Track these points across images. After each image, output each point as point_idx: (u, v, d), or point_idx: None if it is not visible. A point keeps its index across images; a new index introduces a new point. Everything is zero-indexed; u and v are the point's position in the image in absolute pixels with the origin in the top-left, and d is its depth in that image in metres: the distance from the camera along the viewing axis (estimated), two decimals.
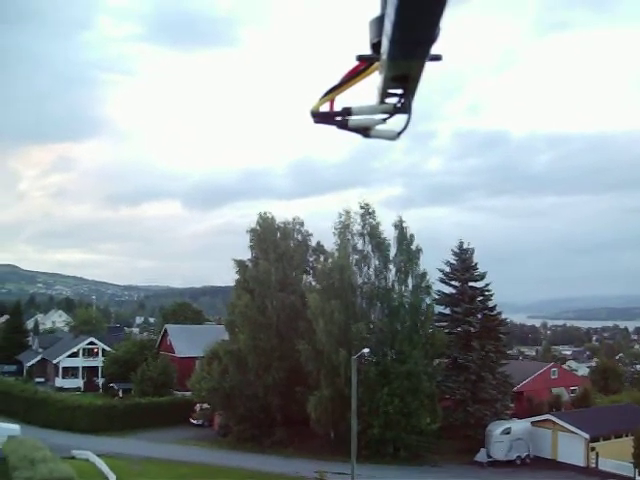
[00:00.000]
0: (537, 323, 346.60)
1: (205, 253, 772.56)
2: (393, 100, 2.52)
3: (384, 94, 2.51)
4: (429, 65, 2.33)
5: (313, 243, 73.03)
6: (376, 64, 2.47)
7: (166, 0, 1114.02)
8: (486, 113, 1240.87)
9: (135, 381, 79.67)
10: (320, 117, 2.63)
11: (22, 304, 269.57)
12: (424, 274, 61.38)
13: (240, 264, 66.85)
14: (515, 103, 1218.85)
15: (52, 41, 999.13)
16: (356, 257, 61.08)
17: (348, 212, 61.31)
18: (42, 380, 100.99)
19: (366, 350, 49.48)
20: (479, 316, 64.58)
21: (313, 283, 65.76)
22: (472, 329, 63.52)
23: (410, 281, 60.74)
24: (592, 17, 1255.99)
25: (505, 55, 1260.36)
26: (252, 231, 66.23)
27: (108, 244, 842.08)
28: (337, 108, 2.62)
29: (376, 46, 2.35)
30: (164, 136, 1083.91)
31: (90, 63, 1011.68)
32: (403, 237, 61.04)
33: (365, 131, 2.62)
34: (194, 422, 71.32)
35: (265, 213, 67.32)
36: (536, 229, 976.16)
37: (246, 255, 68.32)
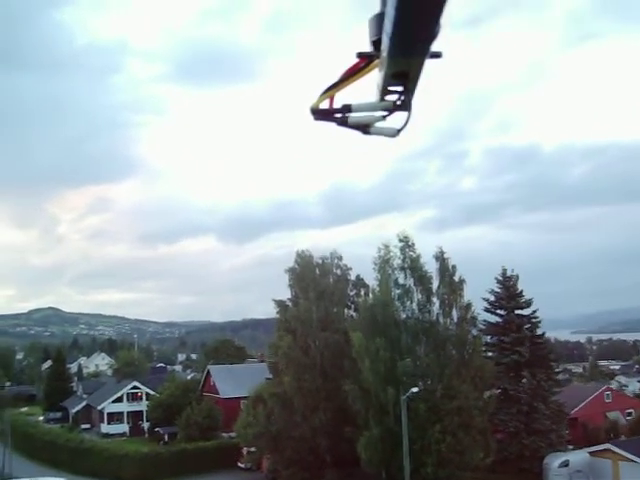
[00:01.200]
0: (582, 338, 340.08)
1: (243, 286, 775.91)
2: (393, 97, 2.58)
3: (384, 91, 2.57)
4: (432, 63, 2.39)
5: (352, 277, 72.10)
6: (376, 61, 2.52)
7: (190, 40, 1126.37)
8: (516, 128, 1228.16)
9: (180, 425, 79.07)
10: (320, 114, 2.68)
11: (65, 347, 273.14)
12: (469, 305, 59.86)
13: (280, 304, 65.97)
14: (545, 116, 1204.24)
15: (85, 86, 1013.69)
16: (398, 292, 59.70)
17: (387, 246, 60.07)
18: (88, 427, 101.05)
19: (415, 389, 48.20)
20: (527, 344, 62.80)
21: (355, 317, 64.65)
22: (522, 358, 61.87)
23: (455, 313, 59.27)
24: (621, 25, 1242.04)
25: (533, 69, 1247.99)
26: (291, 270, 65.34)
27: (147, 282, 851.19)
28: (337, 105, 2.68)
29: (376, 43, 2.38)
30: (196, 172, 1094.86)
31: (122, 105, 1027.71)
32: (445, 269, 59.58)
33: (365, 128, 2.69)
34: (242, 466, 70.30)
35: (303, 251, 66.54)
36: (576, 242, 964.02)
37: (285, 291, 67.42)
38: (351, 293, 70.95)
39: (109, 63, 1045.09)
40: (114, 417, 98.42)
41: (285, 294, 67.50)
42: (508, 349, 62.12)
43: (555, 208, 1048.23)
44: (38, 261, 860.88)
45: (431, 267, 60.35)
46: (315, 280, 64.36)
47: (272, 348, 66.60)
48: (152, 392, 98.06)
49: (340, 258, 70.78)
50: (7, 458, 64.38)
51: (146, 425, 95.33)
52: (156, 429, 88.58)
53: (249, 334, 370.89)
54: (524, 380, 60.38)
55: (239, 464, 70.59)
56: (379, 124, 2.68)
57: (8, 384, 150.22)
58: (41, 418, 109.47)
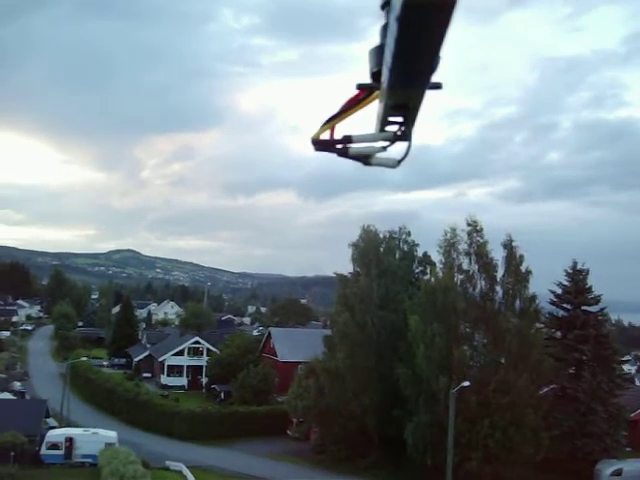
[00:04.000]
0: None
1: (318, 243, 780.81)
2: (393, 128, 2.61)
3: (384, 122, 2.59)
4: (434, 94, 2.43)
5: (419, 254, 70.97)
6: (376, 93, 2.56)
7: None
8: (611, 104, 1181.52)
9: (235, 387, 79.59)
10: (321, 145, 2.72)
11: (140, 290, 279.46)
12: (533, 297, 58.01)
13: (341, 278, 65.32)
14: None
15: (177, 34, 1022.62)
16: (461, 277, 58.29)
17: (454, 229, 58.51)
18: (149, 376, 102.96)
19: (466, 383, 47.04)
20: (591, 343, 60.59)
21: (415, 297, 63.53)
22: (583, 357, 59.92)
23: (518, 304, 57.55)
24: None
25: (631, 41, 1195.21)
26: (354, 245, 64.50)
27: (224, 232, 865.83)
28: (338, 136, 2.72)
29: (376, 75, 2.40)
30: (284, 126, 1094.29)
31: (213, 55, 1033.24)
32: (512, 257, 57.82)
33: (366, 159, 2.71)
34: (291, 434, 70.47)
35: (368, 226, 65.63)
36: None
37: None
38: (416, 270, 69.94)
39: (202, 11, 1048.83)
40: (174, 369, 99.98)
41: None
42: (570, 346, 60.03)
43: None
44: (120, 204, 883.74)
45: (497, 254, 58.76)
46: (378, 257, 63.45)
47: (330, 321, 66.25)
48: (213, 348, 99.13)
49: (408, 234, 69.98)
50: (66, 403, 65.84)
51: (204, 380, 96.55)
52: (213, 386, 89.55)
53: (320, 291, 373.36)
54: (584, 379, 58.34)
55: (288, 432, 70.77)
56: (380, 155, 2.70)
57: (80, 324, 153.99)
58: (105, 363, 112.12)
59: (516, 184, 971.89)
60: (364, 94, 2.65)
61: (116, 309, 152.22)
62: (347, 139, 2.69)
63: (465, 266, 58.24)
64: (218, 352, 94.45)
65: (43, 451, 54.71)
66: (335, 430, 60.21)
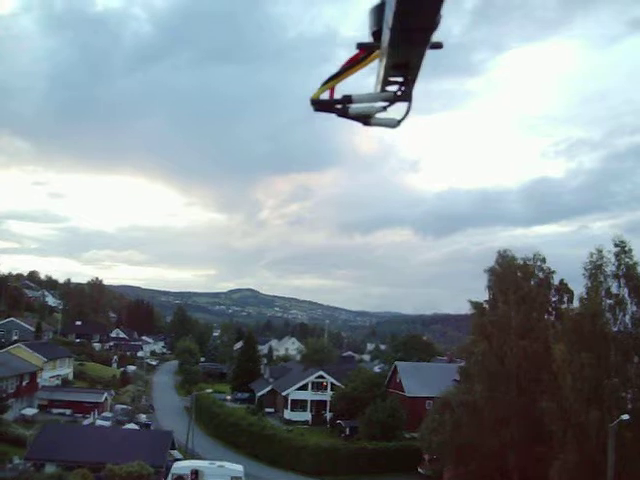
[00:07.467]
0: None
1: (436, 280, 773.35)
2: (394, 88, 2.58)
3: (384, 82, 2.57)
4: (432, 53, 2.40)
5: (555, 281, 66.48)
6: (376, 52, 2.52)
7: None
8: None
9: (362, 421, 76.74)
10: (320, 105, 2.66)
11: (259, 328, 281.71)
12: None
13: (476, 306, 61.53)
14: None
15: (294, 76, 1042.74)
16: (609, 302, 53.41)
17: (600, 251, 53.78)
18: (272, 411, 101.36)
19: (625, 416, 42.45)
20: None
21: (556, 326, 59.04)
22: None
23: None
24: None
25: None
26: (490, 270, 60.75)
27: (341, 270, 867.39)
28: (337, 96, 2.67)
29: (376, 34, 2.39)
30: (402, 164, 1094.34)
31: None
32: None
33: (366, 119, 2.68)
34: (422, 472, 66.69)
35: (505, 250, 61.82)
36: None
37: (481, 290, 62.88)
38: (553, 299, 65.45)
39: (321, 53, 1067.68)
40: (298, 404, 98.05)
41: (480, 293, 63.45)
42: None
43: None
44: (240, 243, 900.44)
45: None
46: (516, 283, 59.42)
47: (464, 351, 62.48)
48: (337, 383, 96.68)
49: (543, 260, 65.50)
50: (191, 435, 64.61)
51: (328, 415, 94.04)
52: (338, 421, 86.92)
53: (439, 329, 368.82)
54: None
55: (419, 469, 67.05)
56: (380, 115, 2.66)
57: (202, 360, 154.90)
58: (229, 397, 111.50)
59: None
60: (364, 54, 2.58)
61: (238, 345, 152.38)
62: (347, 99, 2.62)
63: (614, 290, 53.39)
64: (343, 387, 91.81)
65: None
66: (472, 468, 56.09)
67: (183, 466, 55.11)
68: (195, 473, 53.60)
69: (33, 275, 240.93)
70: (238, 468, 55.46)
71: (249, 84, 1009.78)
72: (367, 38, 2.53)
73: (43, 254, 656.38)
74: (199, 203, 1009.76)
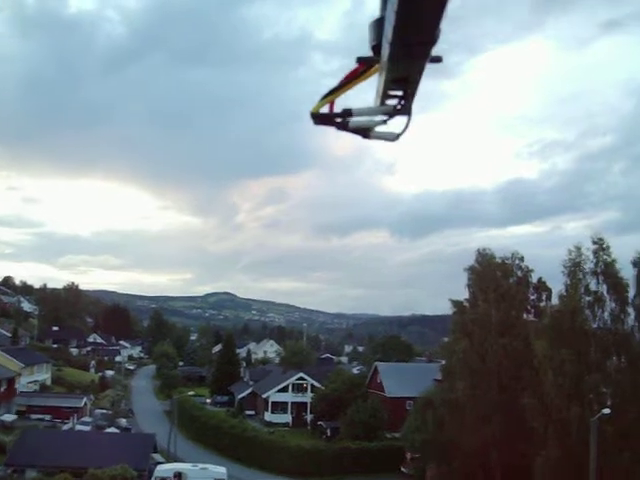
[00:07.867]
0: None
1: (413, 281, 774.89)
2: (393, 102, 2.59)
3: (384, 96, 2.57)
4: (432, 67, 2.40)
5: (534, 279, 67.14)
6: (376, 66, 2.52)
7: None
8: None
9: (344, 422, 76.87)
10: (320, 119, 2.66)
11: (237, 331, 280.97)
12: None
13: (457, 304, 61.93)
14: None
15: (269, 81, 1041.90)
16: (588, 299, 53.95)
17: (579, 248, 54.36)
18: (252, 413, 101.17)
19: (606, 411, 42.89)
20: None
21: (535, 323, 59.62)
22: None
23: None
24: None
25: None
26: (470, 269, 61.23)
27: (318, 272, 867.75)
28: (337, 110, 2.67)
29: (376, 48, 2.39)
30: (377, 165, 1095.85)
31: (304, 98, 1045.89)
32: None
33: (365, 132, 2.69)
34: (405, 471, 66.95)
35: (484, 249, 62.32)
36: None
37: (459, 290, 63.62)
38: (532, 297, 66.15)
39: (293, 57, 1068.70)
40: (278, 406, 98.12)
41: (457, 294, 63.89)
42: None
43: None
44: (216, 247, 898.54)
45: (627, 274, 54.26)
46: (496, 281, 59.91)
47: (445, 350, 62.84)
48: (317, 384, 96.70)
49: (522, 259, 66.18)
50: (173, 439, 64.34)
51: (309, 417, 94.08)
52: (319, 422, 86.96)
53: (417, 330, 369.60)
54: None
55: (402, 469, 67.28)
56: (379, 128, 2.67)
57: (181, 364, 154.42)
58: (208, 401, 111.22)
59: (614, 215, 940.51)
60: (363, 68, 2.57)
61: (216, 348, 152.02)
62: (347, 112, 2.64)
63: (592, 287, 53.95)
64: (323, 388, 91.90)
65: None
66: (454, 466, 56.41)
67: (166, 469, 54.98)
68: (178, 476, 53.49)
69: (8, 281, 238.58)
70: (221, 470, 55.43)
71: (224, 86, 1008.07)
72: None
73: (18, 259, 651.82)
74: (173, 207, 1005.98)
